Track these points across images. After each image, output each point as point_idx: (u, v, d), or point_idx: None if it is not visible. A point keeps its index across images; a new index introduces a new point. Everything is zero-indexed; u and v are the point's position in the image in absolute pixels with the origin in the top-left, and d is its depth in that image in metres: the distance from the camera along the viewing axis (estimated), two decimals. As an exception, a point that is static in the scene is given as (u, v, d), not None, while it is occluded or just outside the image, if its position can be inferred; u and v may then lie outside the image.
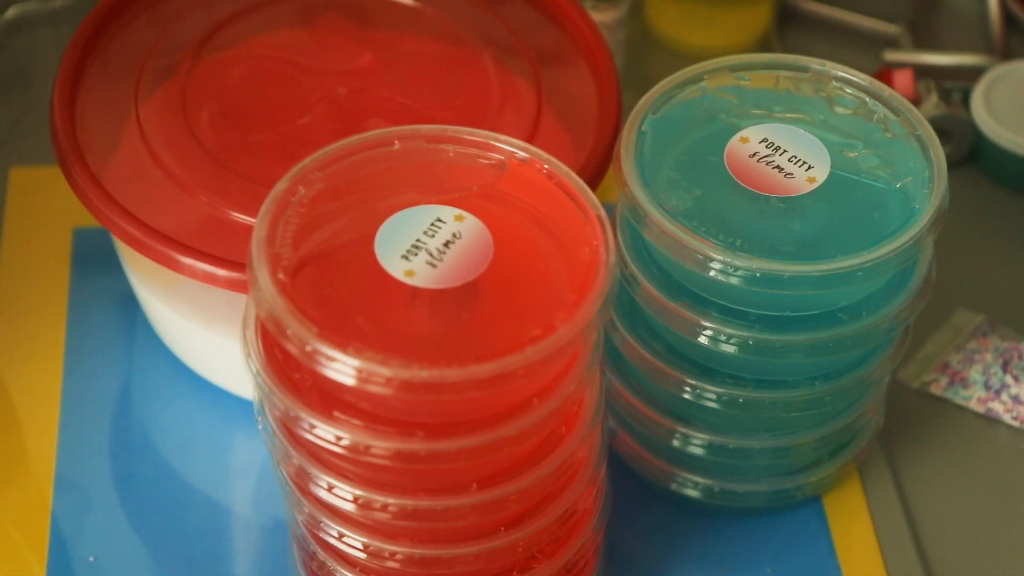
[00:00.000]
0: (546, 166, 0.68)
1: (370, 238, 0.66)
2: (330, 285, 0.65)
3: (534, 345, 0.62)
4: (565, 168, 0.68)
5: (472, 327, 0.64)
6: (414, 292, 0.64)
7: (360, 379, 0.62)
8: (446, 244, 0.65)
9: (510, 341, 0.62)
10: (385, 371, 0.61)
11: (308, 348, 0.62)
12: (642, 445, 0.82)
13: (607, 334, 0.78)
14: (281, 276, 0.64)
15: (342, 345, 0.62)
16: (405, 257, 0.65)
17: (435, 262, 0.65)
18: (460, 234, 0.66)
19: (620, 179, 0.74)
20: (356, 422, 0.64)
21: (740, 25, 1.08)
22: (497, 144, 0.69)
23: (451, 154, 0.70)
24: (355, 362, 0.61)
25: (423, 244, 0.65)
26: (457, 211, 0.67)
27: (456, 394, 0.61)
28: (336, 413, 0.64)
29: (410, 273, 0.64)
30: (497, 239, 0.66)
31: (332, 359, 0.62)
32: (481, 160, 0.69)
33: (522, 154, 0.69)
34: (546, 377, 0.65)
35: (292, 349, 0.63)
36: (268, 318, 0.63)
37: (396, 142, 0.70)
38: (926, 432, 0.87)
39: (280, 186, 0.67)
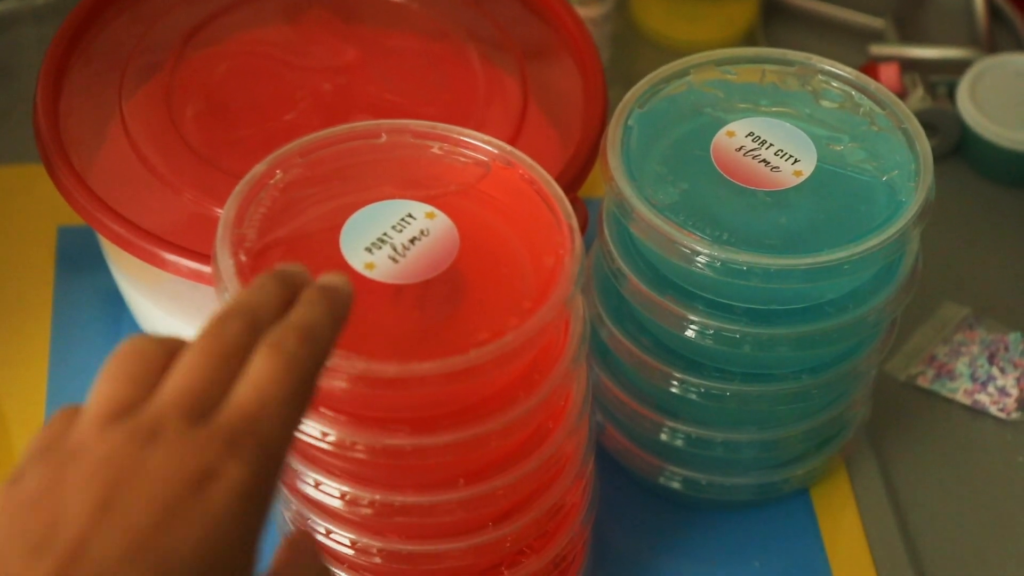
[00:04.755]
0: (529, 172, 0.68)
1: (339, 228, 0.66)
2: None
3: (478, 349, 0.62)
4: (547, 176, 0.68)
5: (424, 325, 0.64)
6: (373, 285, 0.64)
7: None
8: (412, 240, 0.65)
9: (457, 342, 0.62)
10: None
11: None
12: (630, 439, 0.82)
13: (594, 328, 0.78)
14: (242, 257, 0.64)
15: None
16: (368, 249, 0.65)
17: (397, 257, 0.65)
18: (428, 231, 0.66)
19: (606, 174, 0.73)
20: (341, 418, 0.64)
21: (726, 19, 1.08)
22: (483, 146, 0.69)
23: (436, 151, 0.69)
24: None
25: (389, 238, 0.65)
26: (429, 208, 0.66)
27: (394, 391, 0.61)
28: (321, 409, 0.64)
29: (370, 266, 0.64)
30: (466, 240, 0.66)
31: None
32: (466, 160, 0.69)
33: (507, 158, 0.69)
34: (493, 380, 0.64)
35: None
36: (222, 300, 0.63)
37: (383, 135, 0.69)
38: (913, 424, 0.87)
39: (258, 168, 0.67)
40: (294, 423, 0.51)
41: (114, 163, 0.81)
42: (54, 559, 0.46)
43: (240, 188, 0.66)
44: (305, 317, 0.53)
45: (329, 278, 0.55)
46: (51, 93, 0.83)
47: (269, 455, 0.49)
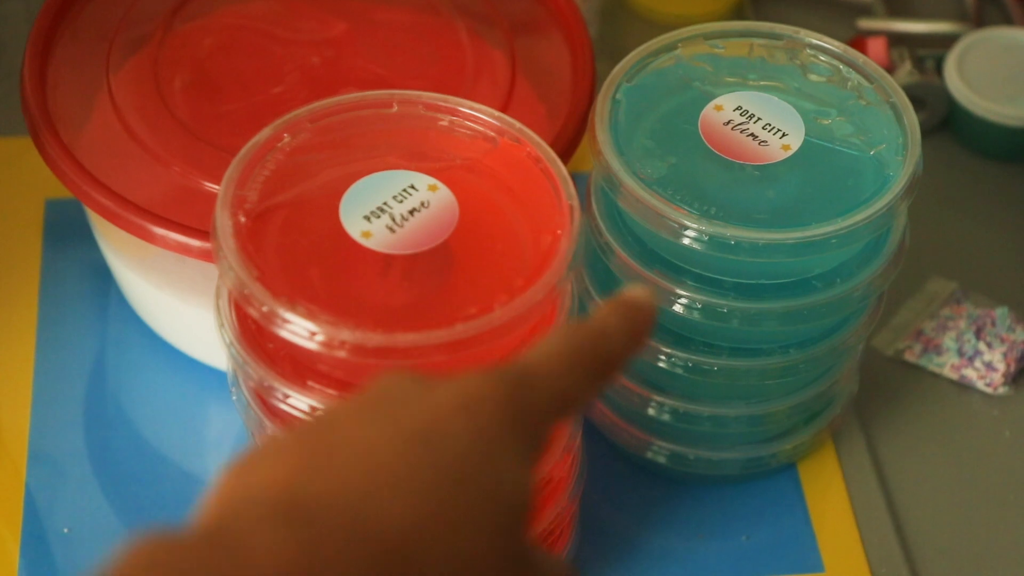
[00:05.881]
0: (536, 150, 0.68)
1: (341, 195, 0.66)
2: (288, 235, 0.65)
3: (464, 323, 0.62)
4: (553, 154, 0.68)
5: (414, 297, 0.64)
6: (369, 253, 0.64)
7: (264, 317, 0.62)
8: (411, 212, 0.65)
9: (446, 316, 0.62)
10: (291, 316, 0.62)
11: (246, 291, 0.62)
12: (617, 414, 0.82)
13: (582, 303, 0.78)
14: (242, 218, 0.64)
15: (279, 293, 0.62)
16: (367, 218, 0.65)
17: (395, 227, 0.65)
18: (428, 203, 0.66)
19: (594, 148, 0.73)
20: (330, 391, 0.64)
21: (714, -7, 1.08)
22: (492, 121, 0.69)
23: (445, 124, 0.70)
24: (273, 303, 0.61)
25: (388, 208, 0.65)
26: (432, 181, 0.67)
27: (380, 361, 0.61)
28: (310, 382, 0.64)
29: (367, 234, 0.64)
30: (465, 214, 0.66)
31: (262, 303, 0.62)
32: (473, 134, 0.69)
33: (516, 134, 0.69)
34: (480, 355, 0.64)
35: (230, 287, 0.63)
36: (218, 256, 0.63)
37: (395, 104, 0.70)
38: (900, 399, 0.88)
39: (266, 131, 0.67)
40: (567, 397, 0.53)
41: (102, 136, 0.81)
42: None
43: (247, 150, 0.66)
44: (600, 320, 0.55)
45: (633, 292, 0.56)
46: (38, 66, 0.82)
47: (542, 402, 0.51)
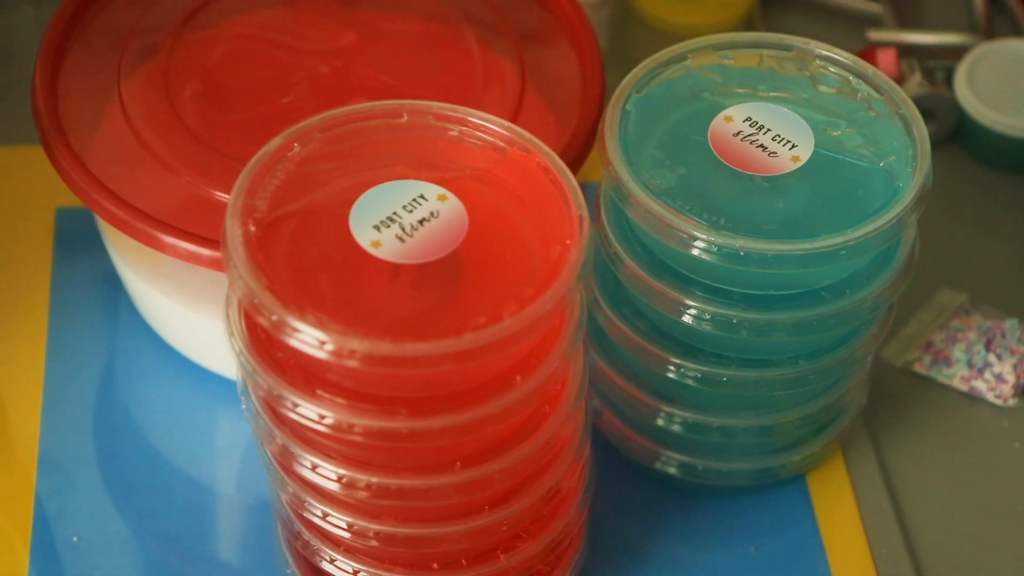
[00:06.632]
0: (545, 160, 0.68)
1: (351, 204, 0.66)
2: (298, 244, 0.65)
3: (473, 333, 0.62)
4: (562, 164, 0.68)
5: (422, 307, 0.65)
6: (378, 262, 0.64)
7: (274, 326, 0.62)
8: (421, 221, 0.66)
9: (455, 325, 0.62)
10: (301, 325, 0.62)
11: (255, 300, 0.62)
12: (626, 424, 0.82)
13: (591, 313, 0.78)
14: (252, 227, 0.64)
15: (288, 302, 0.62)
16: (377, 228, 0.65)
17: (404, 237, 0.65)
18: (438, 213, 0.66)
19: (604, 158, 0.73)
20: (339, 400, 0.64)
21: (724, 4, 1.08)
22: (502, 131, 0.69)
23: (455, 134, 0.70)
24: (282, 312, 0.62)
25: (398, 218, 0.66)
26: (441, 191, 0.67)
27: (388, 370, 0.62)
28: (319, 391, 0.64)
29: (376, 244, 0.65)
30: (475, 224, 0.66)
31: (271, 312, 0.62)
32: (483, 144, 0.69)
33: (525, 144, 0.69)
34: (489, 365, 0.64)
35: (240, 296, 0.63)
36: (228, 265, 0.63)
37: (405, 115, 0.70)
38: (909, 411, 0.88)
39: (276, 141, 0.67)
40: None
41: (112, 144, 0.81)
42: None
43: (257, 159, 0.67)
44: None
45: None
46: (49, 74, 0.82)
47: None
